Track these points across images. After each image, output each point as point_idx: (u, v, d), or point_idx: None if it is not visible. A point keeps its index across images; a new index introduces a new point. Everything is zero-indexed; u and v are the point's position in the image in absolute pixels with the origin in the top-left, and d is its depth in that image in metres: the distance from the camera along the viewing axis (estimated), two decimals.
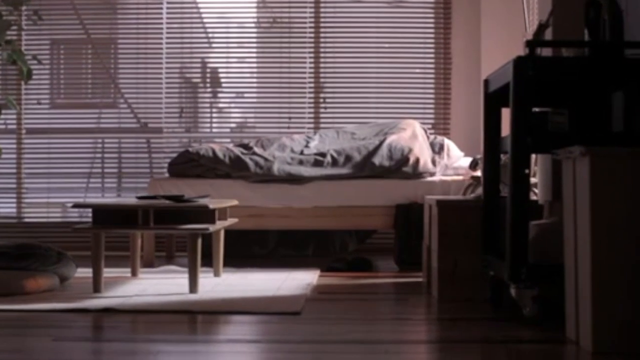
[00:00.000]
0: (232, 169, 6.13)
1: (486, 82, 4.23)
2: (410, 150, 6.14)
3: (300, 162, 6.14)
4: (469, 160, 6.26)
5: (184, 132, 7.35)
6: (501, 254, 4.15)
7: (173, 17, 7.30)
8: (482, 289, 4.34)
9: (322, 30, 7.27)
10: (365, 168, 6.10)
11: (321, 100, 7.26)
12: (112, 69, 7.37)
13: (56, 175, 7.30)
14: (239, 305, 4.11)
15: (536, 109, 4.18)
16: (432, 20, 7.24)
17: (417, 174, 6.06)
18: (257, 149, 6.32)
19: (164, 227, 4.53)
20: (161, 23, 7.29)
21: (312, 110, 7.25)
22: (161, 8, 7.28)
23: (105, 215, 4.59)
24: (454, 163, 6.34)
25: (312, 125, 7.22)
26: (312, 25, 7.27)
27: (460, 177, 6.10)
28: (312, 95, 7.26)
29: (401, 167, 6.08)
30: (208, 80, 7.52)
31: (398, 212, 5.93)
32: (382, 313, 3.95)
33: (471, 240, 4.35)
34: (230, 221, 5.21)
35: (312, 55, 7.26)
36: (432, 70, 7.24)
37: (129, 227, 4.54)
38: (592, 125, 3.89)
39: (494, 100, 4.20)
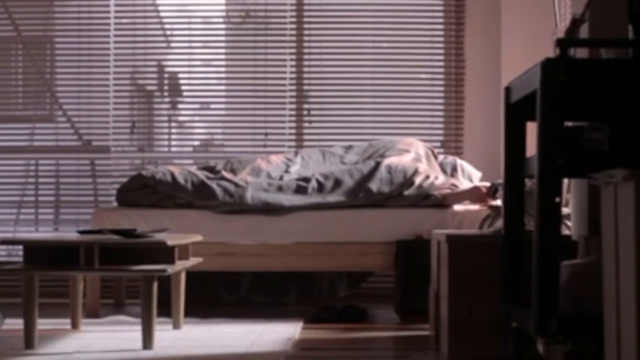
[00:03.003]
0: (196, 196, 6.12)
1: (507, 91, 4.24)
2: (416, 170, 6.15)
3: (279, 188, 6.14)
4: (486, 186, 6.27)
5: (137, 151, 7.35)
6: (526, 301, 4.15)
7: (123, 11, 7.31)
8: (502, 344, 4.33)
9: (306, 26, 7.29)
10: (359, 195, 6.10)
11: (304, 112, 7.27)
12: (48, 74, 7.36)
13: None
14: None
15: (569, 123, 4.19)
16: (441, 15, 7.26)
17: (426, 195, 6.05)
18: (225, 173, 6.32)
19: (111, 269, 4.51)
20: (108, 18, 7.29)
21: (293, 125, 7.26)
22: None
23: (40, 254, 4.57)
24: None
25: (293, 144, 7.22)
26: (294, 20, 7.28)
27: (477, 206, 6.11)
28: (293, 106, 7.26)
29: (404, 190, 6.07)
30: (166, 88, 7.53)
31: (399, 250, 5.93)
32: None
33: (489, 284, 4.34)
34: (193, 261, 5.19)
35: (293, 57, 7.28)
36: (442, 76, 7.25)
37: (68, 268, 4.52)
38: (638, 143, 3.90)
39: (517, 113, 4.21)
